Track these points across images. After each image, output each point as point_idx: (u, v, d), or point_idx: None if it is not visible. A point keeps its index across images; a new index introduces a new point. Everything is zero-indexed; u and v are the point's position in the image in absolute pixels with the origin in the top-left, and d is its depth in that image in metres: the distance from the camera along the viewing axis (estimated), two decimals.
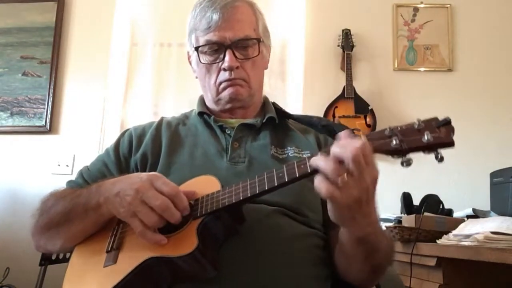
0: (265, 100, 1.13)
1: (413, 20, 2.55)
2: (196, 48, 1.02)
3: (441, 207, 1.77)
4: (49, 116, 2.54)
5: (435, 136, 0.64)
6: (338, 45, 2.48)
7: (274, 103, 1.13)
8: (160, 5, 2.68)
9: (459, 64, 2.48)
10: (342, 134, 0.68)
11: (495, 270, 1.25)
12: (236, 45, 0.99)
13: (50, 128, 2.55)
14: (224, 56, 0.99)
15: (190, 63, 1.11)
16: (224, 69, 0.99)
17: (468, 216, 1.75)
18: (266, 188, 0.73)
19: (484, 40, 2.50)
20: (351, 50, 2.45)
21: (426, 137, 0.64)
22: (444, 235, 1.42)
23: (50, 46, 2.62)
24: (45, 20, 2.66)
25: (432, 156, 0.65)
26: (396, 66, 2.50)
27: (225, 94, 1.01)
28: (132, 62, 2.64)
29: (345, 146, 0.64)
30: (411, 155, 0.66)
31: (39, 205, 0.95)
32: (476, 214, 1.78)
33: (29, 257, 1.72)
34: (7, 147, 2.57)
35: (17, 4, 2.70)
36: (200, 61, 1.02)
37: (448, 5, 2.54)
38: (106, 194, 0.80)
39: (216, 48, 1.00)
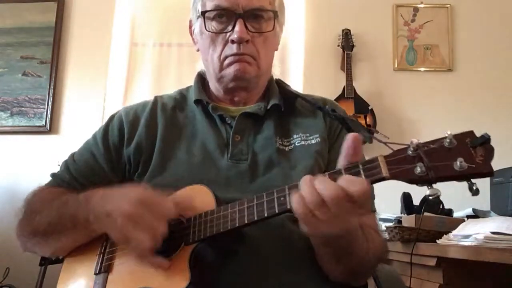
0: (270, 81, 0.99)
1: (413, 20, 2.55)
2: (203, 13, 0.89)
3: (441, 207, 1.77)
4: (49, 116, 2.55)
5: (471, 166, 0.52)
6: (338, 45, 2.48)
7: (278, 82, 0.99)
8: (160, 5, 2.68)
9: (459, 64, 2.49)
10: (349, 138, 0.61)
11: (495, 270, 1.24)
12: (248, 15, 0.87)
13: (50, 128, 2.55)
14: (234, 26, 0.86)
15: (191, 34, 0.99)
16: (232, 41, 0.87)
17: (468, 216, 1.75)
18: (266, 215, 0.65)
19: (484, 40, 2.50)
20: (351, 50, 2.45)
21: (459, 163, 0.52)
22: (444, 235, 1.42)
23: (50, 46, 2.62)
24: (45, 20, 2.66)
25: None
26: (396, 66, 2.50)
27: (230, 71, 0.89)
28: (132, 62, 2.64)
29: (328, 186, 0.57)
30: (439, 185, 0.55)
31: (24, 204, 0.90)
32: (476, 214, 1.78)
33: (29, 257, 1.72)
34: (7, 147, 2.57)
35: (17, 4, 2.70)
36: (206, 29, 0.89)
37: (448, 5, 2.54)
38: (95, 212, 0.74)
39: (226, 16, 0.87)
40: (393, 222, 1.80)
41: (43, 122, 2.55)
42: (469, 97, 2.44)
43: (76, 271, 0.83)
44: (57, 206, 0.82)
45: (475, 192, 0.54)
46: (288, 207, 0.62)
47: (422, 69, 2.50)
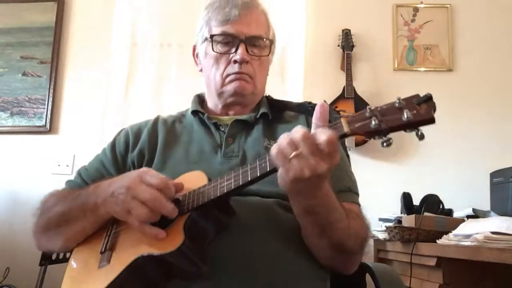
0: (261, 98, 1.15)
1: (413, 20, 2.55)
2: (212, 36, 1.04)
3: (441, 207, 1.77)
4: (49, 116, 2.54)
5: (415, 114, 0.63)
6: (338, 45, 2.48)
7: (268, 97, 1.15)
8: (160, 5, 2.68)
9: (459, 64, 2.48)
10: (317, 106, 0.71)
11: (495, 270, 1.25)
12: (249, 41, 1.03)
13: (50, 128, 2.54)
14: (237, 49, 1.02)
15: (195, 57, 1.15)
16: (235, 61, 1.02)
17: (468, 216, 1.75)
18: (249, 179, 0.73)
19: (484, 40, 2.50)
20: (351, 50, 2.45)
21: (406, 115, 0.63)
22: (444, 235, 1.42)
23: (50, 46, 2.62)
24: (45, 20, 2.66)
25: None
26: (396, 66, 2.50)
27: (230, 87, 1.04)
28: (132, 62, 2.64)
29: (299, 130, 0.67)
30: (392, 135, 0.65)
31: (39, 205, 0.97)
32: (476, 214, 1.78)
33: (29, 257, 1.72)
34: (7, 147, 2.57)
35: (17, 4, 2.70)
36: (213, 50, 1.04)
37: (448, 5, 2.54)
38: (102, 196, 0.82)
39: (230, 41, 1.03)
40: (393, 222, 1.80)
41: (43, 122, 2.54)
42: (469, 97, 2.43)
43: (83, 254, 0.90)
44: (69, 199, 0.91)
45: (420, 136, 0.63)
46: (268, 169, 0.70)
47: (422, 69, 2.50)
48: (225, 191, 0.75)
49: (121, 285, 0.76)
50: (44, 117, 2.55)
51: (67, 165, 2.48)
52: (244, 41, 1.02)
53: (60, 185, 1.06)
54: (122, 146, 1.06)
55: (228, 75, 1.04)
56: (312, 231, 0.81)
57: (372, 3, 2.58)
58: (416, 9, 2.56)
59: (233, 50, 1.03)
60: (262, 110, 1.07)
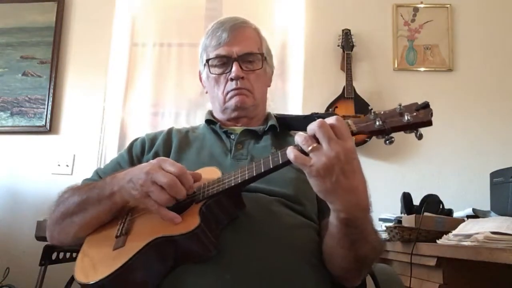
0: (268, 114, 1.23)
1: (413, 20, 2.55)
2: (207, 61, 1.14)
3: (441, 207, 1.77)
4: (49, 116, 2.54)
5: (414, 116, 0.71)
6: (338, 45, 2.48)
7: (275, 115, 1.22)
8: (160, 5, 2.68)
9: (459, 64, 2.49)
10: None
11: (495, 270, 1.25)
12: (242, 58, 1.12)
13: (50, 128, 2.54)
14: (231, 67, 1.11)
15: (201, 81, 1.24)
16: (231, 79, 1.11)
17: (468, 216, 1.75)
18: (263, 171, 0.78)
19: (484, 40, 2.50)
20: (351, 50, 2.45)
21: (406, 117, 0.71)
22: (444, 235, 1.42)
23: (50, 46, 2.62)
24: (45, 20, 2.66)
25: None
26: (396, 66, 2.50)
27: (232, 102, 1.12)
28: (132, 62, 2.64)
29: (316, 121, 0.72)
30: (394, 134, 0.73)
31: (57, 198, 1.00)
32: (476, 214, 1.78)
33: (29, 257, 1.72)
34: (7, 147, 2.57)
35: (17, 4, 2.70)
36: (210, 72, 1.15)
37: (448, 5, 2.54)
38: (119, 183, 0.86)
39: (225, 62, 1.13)
40: (393, 222, 1.80)
41: (43, 122, 2.54)
42: (469, 97, 2.44)
43: (98, 238, 0.92)
44: (86, 189, 0.95)
45: (419, 136, 0.72)
46: (281, 162, 0.76)
47: (422, 69, 2.50)
48: (240, 181, 0.81)
49: (135, 267, 0.78)
50: (44, 117, 2.55)
51: (67, 165, 2.48)
52: (237, 59, 1.11)
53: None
54: (138, 149, 1.13)
55: (228, 92, 1.13)
56: (343, 242, 0.81)
57: (372, 3, 2.58)
58: (416, 9, 2.56)
59: (228, 69, 1.12)
60: (271, 122, 1.15)
